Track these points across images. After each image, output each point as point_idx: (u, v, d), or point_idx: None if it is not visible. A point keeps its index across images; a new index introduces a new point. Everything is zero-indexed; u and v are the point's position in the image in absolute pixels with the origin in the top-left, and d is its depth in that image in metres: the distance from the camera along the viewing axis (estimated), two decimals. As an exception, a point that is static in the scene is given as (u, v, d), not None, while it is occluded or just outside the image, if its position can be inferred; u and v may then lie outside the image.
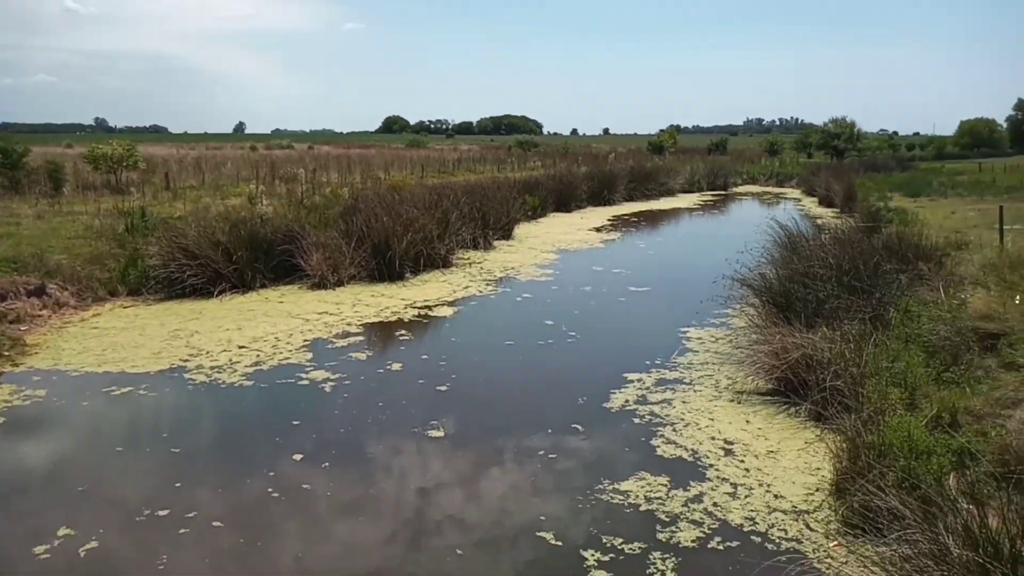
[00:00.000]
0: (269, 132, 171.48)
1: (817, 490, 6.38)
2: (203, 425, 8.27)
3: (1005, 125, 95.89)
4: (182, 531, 5.84)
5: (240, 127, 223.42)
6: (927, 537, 4.09)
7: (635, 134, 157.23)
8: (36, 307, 12.07)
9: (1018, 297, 8.77)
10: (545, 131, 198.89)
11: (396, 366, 9.97)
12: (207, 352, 10.38)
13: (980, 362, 7.55)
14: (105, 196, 22.09)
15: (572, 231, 24.13)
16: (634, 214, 29.90)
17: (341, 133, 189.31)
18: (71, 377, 9.45)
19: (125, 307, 13.04)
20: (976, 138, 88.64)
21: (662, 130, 73.14)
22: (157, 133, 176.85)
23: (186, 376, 9.45)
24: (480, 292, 14.63)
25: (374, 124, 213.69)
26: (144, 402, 8.66)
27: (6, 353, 10.22)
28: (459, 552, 5.59)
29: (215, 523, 5.96)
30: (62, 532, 5.79)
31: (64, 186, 23.79)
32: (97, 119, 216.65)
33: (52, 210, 18.99)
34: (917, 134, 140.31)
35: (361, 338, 11.26)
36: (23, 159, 24.11)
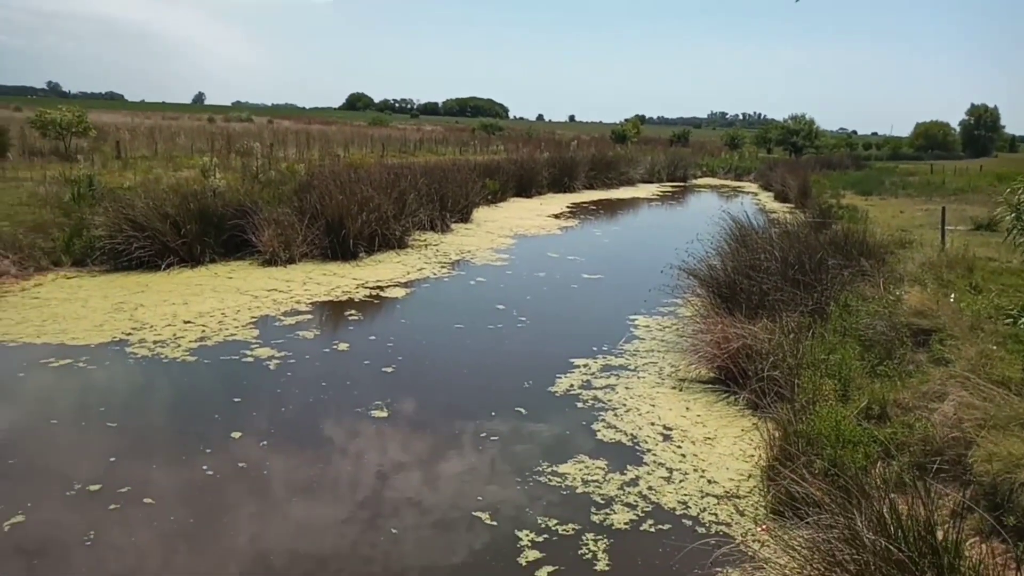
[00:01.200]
0: (229, 104, 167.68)
1: (749, 476, 6.55)
2: (142, 400, 8.14)
3: (958, 129, 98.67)
4: (112, 507, 5.76)
5: (199, 97, 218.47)
6: (841, 523, 4.24)
7: (600, 122, 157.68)
8: (-27, 275, 11.70)
9: (952, 295, 9.08)
10: (511, 115, 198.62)
11: (343, 346, 9.92)
12: (151, 326, 10.19)
13: (912, 356, 7.80)
14: (53, 163, 21.44)
15: (531, 217, 24.17)
16: (593, 202, 30.06)
17: (304, 108, 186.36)
18: (8, 348, 9.20)
19: (68, 278, 12.72)
20: (930, 140, 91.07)
21: (627, 119, 73.48)
22: (112, 100, 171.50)
23: (128, 350, 9.28)
24: (434, 275, 14.60)
25: (338, 100, 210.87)
26: (83, 375, 8.48)
27: (-61, 321, 9.91)
28: (393, 531, 5.62)
29: (146, 500, 5.89)
30: (-11, 506, 5.68)
31: (9, 151, 23.04)
32: (50, 83, 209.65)
33: (-5, 176, 18.38)
34: (875, 134, 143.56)
35: (310, 317, 11.16)
36: (-34, 122, 23.28)
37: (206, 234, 14.36)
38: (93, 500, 5.86)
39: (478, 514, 5.87)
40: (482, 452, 7.02)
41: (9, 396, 7.99)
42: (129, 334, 9.84)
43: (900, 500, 4.57)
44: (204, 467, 6.47)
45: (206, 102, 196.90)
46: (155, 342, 9.57)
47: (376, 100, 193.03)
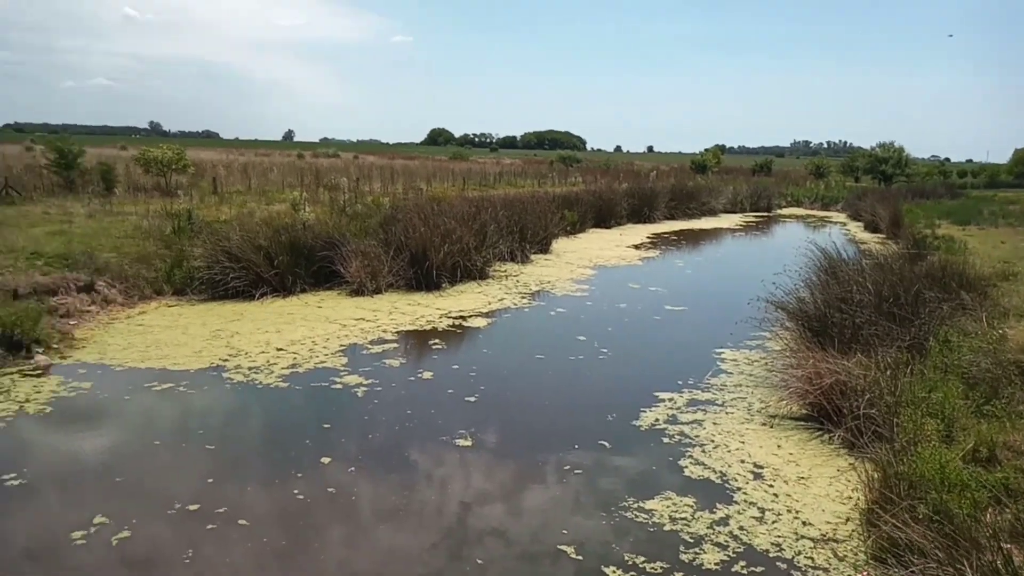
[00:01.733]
0: (317, 141, 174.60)
1: (847, 520, 6.28)
2: (238, 424, 8.45)
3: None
4: (209, 527, 5.98)
5: (289, 135, 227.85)
6: (950, 574, 4.01)
7: (679, 152, 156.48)
8: (85, 303, 12.47)
9: (1064, 331, 8.54)
10: (589, 147, 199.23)
11: (427, 374, 10.07)
12: (246, 353, 10.61)
13: (1022, 396, 7.36)
14: (155, 198, 22.72)
15: (610, 247, 24.09)
16: (674, 232, 29.73)
17: (387, 144, 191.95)
18: (115, 372, 9.74)
19: (170, 306, 13.40)
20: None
21: (706, 149, 72.62)
22: (209, 138, 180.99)
23: (225, 375, 9.68)
24: (515, 305, 14.70)
25: (419, 136, 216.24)
26: (183, 399, 8.89)
27: (55, 346, 10.58)
28: (478, 561, 5.63)
29: (241, 521, 6.09)
30: (98, 520, 5.98)
31: (116, 187, 24.55)
32: (152, 123, 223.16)
33: (103, 210, 19.62)
34: (970, 161, 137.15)
35: (396, 345, 11.40)
36: (78, 160, 24.98)
37: (297, 265, 14.92)
38: (192, 519, 6.09)
39: (563, 547, 5.82)
40: (566, 484, 6.97)
41: (116, 417, 8.43)
42: (226, 360, 10.27)
43: (1015, 551, 4.30)
44: (295, 491, 6.64)
45: (295, 139, 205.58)
46: (250, 368, 9.95)
47: (456, 135, 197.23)
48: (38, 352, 10.21)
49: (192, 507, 6.26)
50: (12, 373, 9.50)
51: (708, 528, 6.15)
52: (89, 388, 9.08)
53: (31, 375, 9.48)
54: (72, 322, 11.71)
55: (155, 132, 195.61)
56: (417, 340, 11.90)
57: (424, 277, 15.71)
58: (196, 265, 14.24)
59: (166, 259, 14.59)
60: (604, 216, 29.87)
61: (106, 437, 7.86)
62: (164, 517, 6.12)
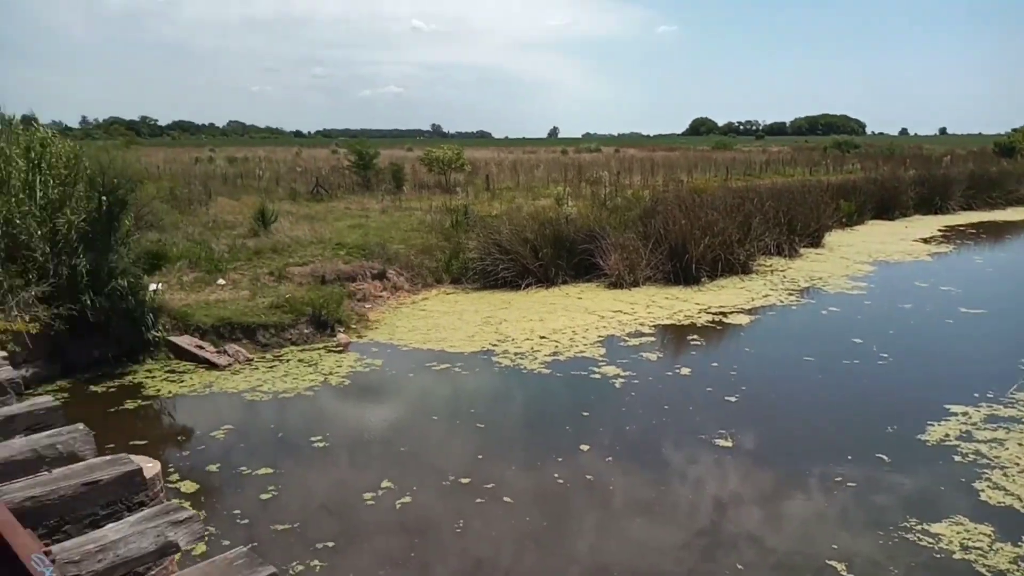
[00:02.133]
0: (580, 136, 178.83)
1: None
2: (505, 405, 9.02)
3: None
4: (478, 500, 6.46)
5: (554, 132, 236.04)
6: None
7: (979, 134, 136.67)
8: (378, 288, 14.06)
9: None
10: (868, 131, 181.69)
11: (685, 370, 9.93)
12: (512, 339, 11.27)
13: None
14: (436, 194, 24.89)
15: (893, 241, 21.84)
16: (971, 225, 26.15)
17: (647, 136, 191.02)
18: (402, 351, 10.88)
19: (447, 293, 14.64)
20: None
21: (1015, 129, 62.52)
22: (482, 138, 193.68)
23: (494, 359, 10.37)
24: (781, 302, 13.92)
25: (681, 126, 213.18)
26: (458, 379, 9.69)
27: (354, 326, 12.08)
28: (739, 567, 5.45)
29: (506, 498, 6.50)
30: (384, 484, 6.73)
31: (404, 185, 27.27)
32: (434, 125, 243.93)
33: (394, 206, 21.92)
34: None
35: (653, 339, 11.38)
36: (373, 161, 28.20)
37: (559, 257, 15.50)
38: (463, 492, 6.63)
39: (831, 563, 5.44)
40: (834, 496, 6.49)
41: (401, 393, 9.42)
42: (495, 345, 10.99)
43: None
44: (555, 475, 6.94)
45: (560, 135, 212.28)
46: (516, 354, 10.55)
47: (720, 124, 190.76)
48: (339, 331, 11.71)
49: (464, 480, 6.81)
50: (319, 348, 11.01)
51: (1011, 563, 5.37)
52: (380, 365, 10.23)
53: (333, 351, 10.91)
54: (367, 306, 13.26)
55: (436, 134, 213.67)
56: (675, 335, 11.77)
57: (683, 271, 15.47)
58: (471, 256, 15.43)
59: (445, 250, 15.95)
60: (886, 206, 27.13)
61: (392, 410, 8.81)
62: (439, 487, 6.73)
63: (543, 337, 11.37)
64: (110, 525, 2.50)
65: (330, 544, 5.75)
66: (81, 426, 3.31)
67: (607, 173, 28.41)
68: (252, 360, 10.40)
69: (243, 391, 9.18)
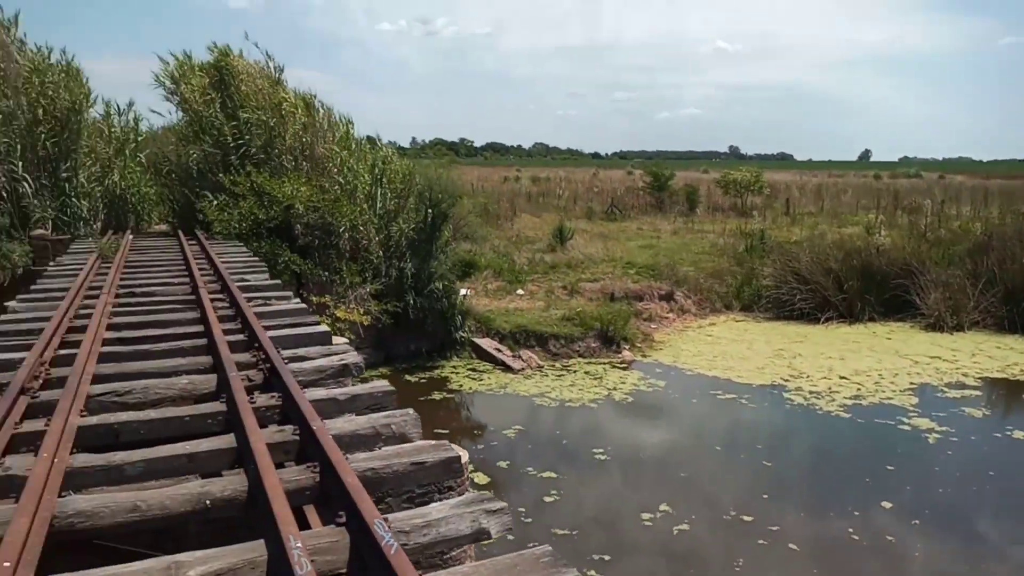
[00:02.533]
0: (896, 160, 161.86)
1: None
2: (796, 446, 8.49)
3: None
4: (761, 542, 6.14)
5: (865, 154, 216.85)
6: None
7: None
8: (664, 310, 14.04)
9: None
10: None
11: (1019, 434, 8.51)
12: (807, 376, 10.56)
13: None
14: (731, 218, 24.19)
15: None
16: None
17: (980, 161, 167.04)
18: (685, 375, 10.75)
19: (737, 321, 14.15)
20: None
21: None
22: (783, 160, 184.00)
23: (785, 395, 9.81)
24: None
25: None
26: (744, 411, 9.33)
27: (639, 345, 12.20)
28: None
29: (791, 545, 6.10)
30: (663, 508, 6.70)
31: (698, 207, 26.91)
32: (730, 147, 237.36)
33: (686, 227, 21.73)
34: None
35: (978, 393, 9.93)
36: (668, 182, 28.23)
37: (867, 291, 14.19)
38: (745, 529, 6.35)
39: None
40: None
41: (684, 417, 9.30)
42: (787, 380, 10.39)
43: None
44: (849, 529, 6.36)
45: (872, 159, 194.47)
46: (810, 392, 9.87)
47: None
48: (624, 348, 11.89)
49: (746, 518, 6.53)
50: (604, 363, 11.28)
51: None
52: (663, 387, 10.21)
53: (618, 367, 11.10)
54: (653, 326, 13.30)
55: (733, 155, 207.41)
56: (1007, 391, 10.17)
57: (1020, 316, 13.28)
58: (764, 284, 14.73)
59: (737, 276, 15.44)
60: None
61: (673, 433, 8.74)
62: (719, 520, 6.52)
63: (843, 377, 10.49)
64: (433, 504, 2.81)
65: (606, 557, 5.86)
66: (411, 411, 3.75)
67: (929, 201, 25.35)
68: (543, 367, 10.98)
69: (533, 395, 9.73)
